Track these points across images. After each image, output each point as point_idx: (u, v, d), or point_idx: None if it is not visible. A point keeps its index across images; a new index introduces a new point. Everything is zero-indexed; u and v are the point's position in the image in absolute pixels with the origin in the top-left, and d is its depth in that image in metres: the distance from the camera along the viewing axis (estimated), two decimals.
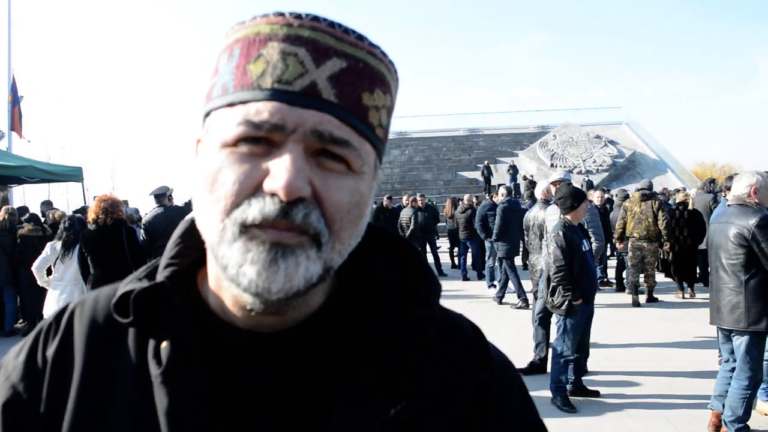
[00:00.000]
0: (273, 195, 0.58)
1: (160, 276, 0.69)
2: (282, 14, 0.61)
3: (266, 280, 0.58)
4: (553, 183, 6.89)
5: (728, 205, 4.47)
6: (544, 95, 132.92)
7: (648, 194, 9.44)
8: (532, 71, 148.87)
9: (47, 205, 11.80)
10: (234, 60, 0.62)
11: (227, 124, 0.60)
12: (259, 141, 0.59)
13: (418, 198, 13.53)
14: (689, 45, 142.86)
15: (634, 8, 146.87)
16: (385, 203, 14.34)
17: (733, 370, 4.35)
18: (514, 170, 27.51)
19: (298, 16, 0.61)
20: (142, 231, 7.85)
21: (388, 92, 0.66)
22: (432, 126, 41.56)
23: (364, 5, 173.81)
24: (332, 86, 0.60)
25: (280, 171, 0.57)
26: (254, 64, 0.60)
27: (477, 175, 30.02)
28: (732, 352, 4.38)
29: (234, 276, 0.59)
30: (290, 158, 0.57)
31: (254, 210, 0.58)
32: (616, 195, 13.23)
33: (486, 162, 29.28)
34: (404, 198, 14.53)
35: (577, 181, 23.66)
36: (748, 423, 4.21)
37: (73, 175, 12.40)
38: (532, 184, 15.42)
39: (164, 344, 0.64)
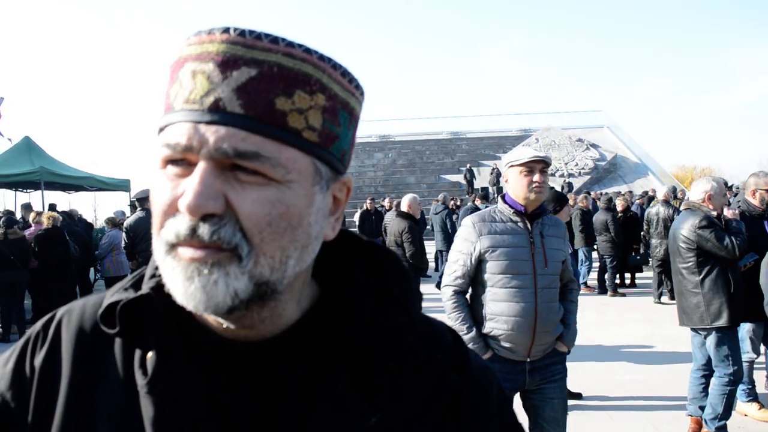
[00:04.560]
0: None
1: (145, 287, 0.70)
2: (199, 33, 0.62)
3: (189, 297, 0.60)
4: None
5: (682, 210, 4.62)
6: (526, 98, 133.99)
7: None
8: (513, 74, 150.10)
9: (27, 208, 11.93)
10: (166, 86, 0.64)
11: (158, 148, 0.62)
12: (181, 162, 0.61)
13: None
14: (668, 49, 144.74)
15: (613, 12, 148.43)
16: (368, 206, 14.31)
17: (702, 371, 4.51)
18: (497, 173, 27.60)
19: (210, 32, 0.61)
20: (123, 234, 7.74)
21: (317, 91, 0.62)
22: (415, 129, 41.60)
23: (347, 11, 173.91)
24: (237, 97, 0.58)
25: (187, 190, 0.58)
26: (173, 88, 0.62)
27: (460, 178, 30.15)
28: (704, 354, 4.49)
29: (173, 294, 0.62)
30: (198, 176, 0.58)
31: (170, 230, 0.60)
32: (599, 199, 13.45)
33: (469, 165, 29.44)
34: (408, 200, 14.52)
35: (558, 184, 23.86)
36: (727, 423, 4.24)
37: (122, 185, 15.22)
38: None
39: (150, 354, 0.65)
